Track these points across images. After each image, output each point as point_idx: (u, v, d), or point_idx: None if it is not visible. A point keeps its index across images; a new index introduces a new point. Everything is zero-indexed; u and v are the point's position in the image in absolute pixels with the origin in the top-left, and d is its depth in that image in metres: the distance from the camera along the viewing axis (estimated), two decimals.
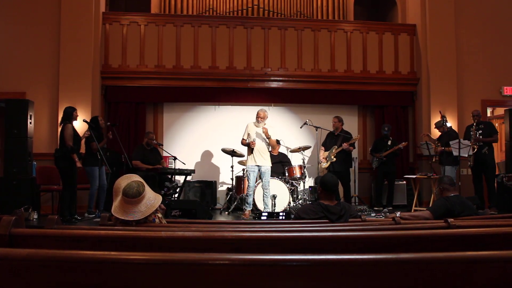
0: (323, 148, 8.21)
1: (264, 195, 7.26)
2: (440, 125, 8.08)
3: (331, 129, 8.26)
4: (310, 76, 9.18)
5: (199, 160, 9.10)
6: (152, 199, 3.00)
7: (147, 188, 3.02)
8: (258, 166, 7.20)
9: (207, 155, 9.21)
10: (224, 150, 8.31)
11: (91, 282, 1.46)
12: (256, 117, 7.32)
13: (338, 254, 1.45)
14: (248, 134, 7.30)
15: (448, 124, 8.15)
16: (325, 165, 7.98)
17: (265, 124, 7.29)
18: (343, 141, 7.92)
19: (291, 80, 9.18)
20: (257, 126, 7.30)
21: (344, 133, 8.09)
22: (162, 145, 8.59)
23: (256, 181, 7.60)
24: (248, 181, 7.32)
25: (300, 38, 9.23)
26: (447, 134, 7.91)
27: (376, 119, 9.54)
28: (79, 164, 6.66)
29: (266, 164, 7.25)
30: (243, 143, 7.42)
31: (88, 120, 7.27)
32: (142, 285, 1.45)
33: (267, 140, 7.23)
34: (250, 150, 7.22)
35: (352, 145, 8.03)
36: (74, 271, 1.46)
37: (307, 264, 1.44)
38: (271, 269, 1.43)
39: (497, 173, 8.20)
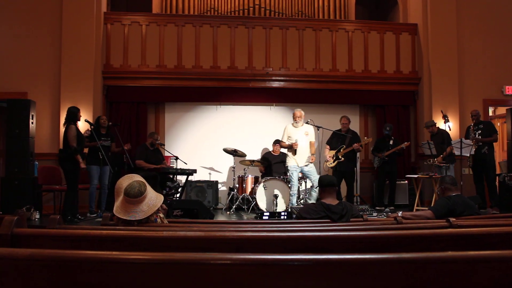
0: (328, 146, 8.20)
1: (314, 191, 7.26)
2: (430, 125, 8.09)
3: (334, 129, 8.23)
4: (311, 75, 9.17)
5: (200, 160, 9.09)
6: (153, 199, 3.00)
7: (149, 188, 3.02)
8: (301, 166, 7.23)
9: (208, 155, 9.19)
10: (225, 150, 8.31)
11: (93, 282, 1.46)
12: (294, 118, 7.36)
13: (339, 254, 1.45)
14: (288, 137, 7.33)
15: (443, 125, 8.16)
16: (331, 164, 7.97)
17: (302, 124, 7.32)
18: (351, 141, 7.92)
19: (293, 79, 9.18)
20: (295, 127, 7.32)
21: (351, 133, 8.09)
22: (164, 145, 8.59)
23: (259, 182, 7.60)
24: (291, 180, 7.31)
25: (301, 38, 9.23)
26: (440, 135, 7.93)
27: (377, 119, 9.53)
28: (83, 165, 6.68)
29: (308, 163, 7.27)
30: (283, 145, 7.49)
31: (92, 121, 7.31)
32: (143, 285, 1.45)
33: (307, 141, 7.27)
34: (294, 151, 7.23)
35: (361, 145, 8.06)
36: (76, 271, 1.46)
37: (309, 264, 1.44)
38: (272, 269, 1.43)
39: (498, 172, 8.18)
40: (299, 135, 7.25)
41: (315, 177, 7.13)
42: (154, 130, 8.93)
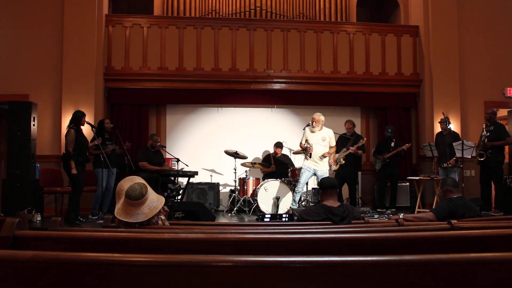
0: None
1: None
2: (444, 122, 8.02)
3: (336, 131, 8.20)
4: (312, 77, 9.18)
5: (202, 162, 9.10)
6: (155, 201, 3.00)
7: (150, 190, 3.02)
8: (314, 169, 7.23)
9: (210, 157, 9.20)
10: (227, 152, 8.31)
11: (95, 284, 1.46)
12: (311, 122, 7.32)
13: (341, 256, 1.45)
14: (306, 140, 7.32)
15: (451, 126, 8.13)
16: (334, 167, 7.96)
17: (321, 128, 7.27)
18: (353, 144, 7.92)
19: (294, 81, 9.18)
20: (312, 132, 7.30)
21: (355, 136, 8.08)
22: (165, 147, 8.60)
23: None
24: (300, 177, 7.35)
25: (302, 40, 9.23)
26: (452, 137, 7.86)
27: (378, 121, 9.53)
28: (74, 171, 6.61)
29: (323, 168, 7.24)
30: (301, 146, 7.52)
31: (94, 124, 7.31)
32: (145, 287, 1.45)
33: (324, 146, 7.24)
34: (309, 154, 7.22)
35: (361, 148, 7.98)
36: (78, 273, 1.46)
37: (310, 266, 1.44)
38: (274, 271, 1.43)
39: None
40: (316, 140, 7.22)
41: None
42: (156, 132, 8.92)
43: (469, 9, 9.38)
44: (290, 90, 9.25)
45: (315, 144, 7.20)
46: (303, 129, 7.55)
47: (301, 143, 7.47)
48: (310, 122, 7.39)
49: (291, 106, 9.38)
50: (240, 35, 9.12)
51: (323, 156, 7.18)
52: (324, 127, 7.35)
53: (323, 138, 7.26)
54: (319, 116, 7.28)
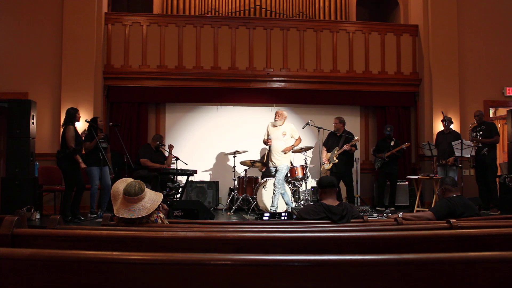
0: (325, 148, 8.20)
1: (273, 194, 7.32)
2: (447, 120, 8.02)
3: (333, 129, 8.24)
4: (312, 76, 9.17)
5: (201, 160, 9.10)
6: (154, 196, 3.05)
7: (147, 187, 3.06)
8: (275, 163, 7.38)
9: (209, 155, 9.20)
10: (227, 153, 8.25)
11: (93, 282, 1.46)
12: (275, 116, 7.53)
13: (339, 255, 1.45)
14: (268, 135, 7.50)
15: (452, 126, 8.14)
16: (327, 166, 7.97)
17: (283, 123, 7.44)
18: (345, 142, 7.91)
19: (293, 80, 9.18)
20: (274, 126, 7.42)
21: (346, 133, 8.07)
22: (164, 145, 8.59)
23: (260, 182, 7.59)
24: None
25: (302, 39, 9.23)
26: (453, 136, 7.86)
27: (378, 120, 9.53)
28: (83, 165, 6.68)
29: (282, 162, 7.37)
30: (263, 141, 7.71)
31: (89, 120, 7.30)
32: (144, 285, 1.45)
33: (284, 141, 7.40)
34: (269, 150, 7.42)
35: (354, 145, 8.01)
36: (76, 271, 1.46)
37: (309, 265, 1.44)
38: (273, 270, 1.43)
39: (499, 173, 8.15)
40: (276, 135, 7.39)
41: (278, 177, 7.31)
42: (155, 130, 8.93)
43: (468, 8, 9.39)
44: (290, 89, 9.25)
45: (275, 139, 7.38)
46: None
47: (264, 138, 7.67)
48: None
49: (291, 105, 9.37)
50: (239, 34, 9.11)
51: (284, 151, 7.30)
52: (286, 122, 7.51)
53: (283, 133, 7.41)
54: (282, 111, 7.53)
